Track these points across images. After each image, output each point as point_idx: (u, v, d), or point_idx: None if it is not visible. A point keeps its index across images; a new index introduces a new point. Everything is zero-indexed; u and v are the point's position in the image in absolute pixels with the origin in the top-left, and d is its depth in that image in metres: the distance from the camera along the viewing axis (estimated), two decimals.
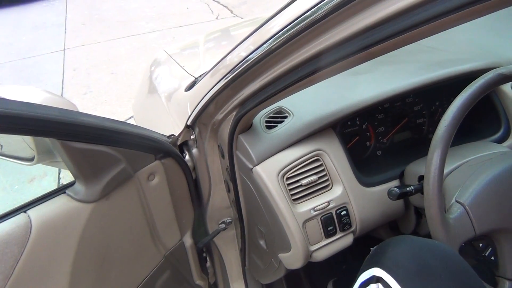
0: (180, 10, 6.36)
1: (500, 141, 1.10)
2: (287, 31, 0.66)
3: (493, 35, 1.30)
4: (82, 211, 0.86)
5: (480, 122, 1.16)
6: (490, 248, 0.89)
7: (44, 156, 0.92)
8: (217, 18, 5.88)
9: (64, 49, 5.26)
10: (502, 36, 1.30)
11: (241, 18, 5.78)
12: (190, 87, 1.24)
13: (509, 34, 1.31)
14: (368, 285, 0.70)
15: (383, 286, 0.67)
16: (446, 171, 0.94)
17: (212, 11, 6.22)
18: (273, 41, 0.70)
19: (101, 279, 0.91)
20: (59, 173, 2.79)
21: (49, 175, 2.75)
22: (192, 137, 1.15)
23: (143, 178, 0.97)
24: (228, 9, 6.20)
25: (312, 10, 0.59)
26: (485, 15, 0.47)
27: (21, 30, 6.12)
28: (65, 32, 5.93)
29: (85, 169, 0.85)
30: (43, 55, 5.10)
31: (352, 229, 1.00)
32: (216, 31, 2.08)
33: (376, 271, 0.70)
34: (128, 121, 3.27)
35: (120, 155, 0.89)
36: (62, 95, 3.99)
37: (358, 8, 0.55)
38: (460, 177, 0.88)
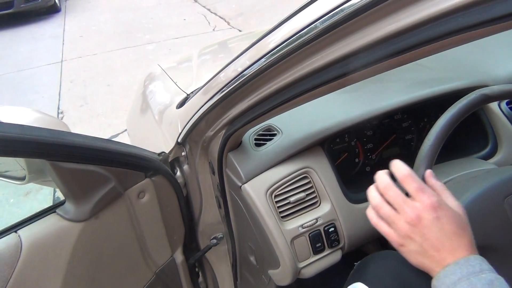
0: (177, 22, 6.41)
1: (487, 157, 1.11)
2: (276, 52, 0.68)
3: (480, 53, 1.32)
4: (72, 230, 0.87)
5: (468, 138, 1.18)
6: None
7: (35, 175, 0.93)
8: (214, 29, 5.93)
9: (62, 60, 5.29)
10: (489, 54, 1.32)
11: (238, 30, 5.83)
12: (181, 104, 1.26)
13: (495, 52, 1.33)
14: None
15: None
16: None
17: (209, 22, 6.27)
18: (263, 62, 0.72)
19: None
20: (54, 187, 2.79)
21: (45, 189, 2.76)
22: (183, 154, 1.16)
23: (133, 196, 0.98)
24: (225, 20, 6.25)
25: (306, 29, 0.60)
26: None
27: (18, 42, 6.15)
28: (63, 43, 5.96)
29: (75, 189, 0.86)
30: (40, 67, 5.12)
31: (340, 245, 1.01)
32: (209, 45, 2.11)
33: (359, 286, 0.72)
34: (123, 134, 3.30)
35: (110, 174, 0.90)
36: (58, 107, 4.01)
37: (351, 30, 0.57)
38: None
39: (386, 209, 0.67)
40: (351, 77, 0.63)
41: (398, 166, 0.67)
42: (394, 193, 0.66)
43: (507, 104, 1.16)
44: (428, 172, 0.70)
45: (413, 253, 0.65)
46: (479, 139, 1.15)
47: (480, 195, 0.80)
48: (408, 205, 0.64)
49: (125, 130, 3.22)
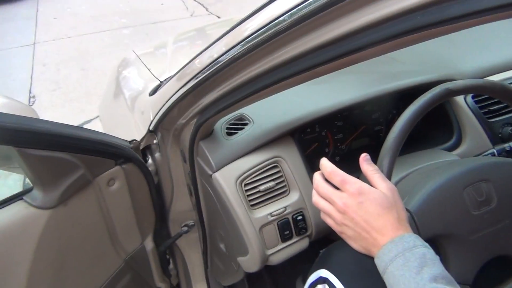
0: (155, 6, 6.28)
1: (452, 149, 1.15)
2: (251, 40, 0.68)
3: (449, 47, 1.35)
4: (39, 218, 0.86)
5: (434, 130, 1.21)
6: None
7: (2, 162, 0.92)
8: (192, 15, 5.85)
9: (34, 43, 5.14)
10: (457, 48, 1.36)
11: (217, 16, 5.77)
12: (154, 91, 1.25)
13: (463, 47, 1.36)
14: (316, 285, 0.75)
15: (329, 286, 0.71)
16: (397, 178, 0.99)
17: (187, 8, 6.17)
18: (238, 49, 0.72)
19: (58, 285, 0.92)
20: (22, 174, 2.74)
21: (14, 174, 2.69)
22: (154, 141, 1.16)
23: (103, 184, 0.98)
24: (204, 6, 6.17)
25: (280, 19, 0.61)
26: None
27: None
28: (36, 25, 5.77)
29: (43, 176, 0.85)
30: (11, 49, 4.96)
31: (308, 233, 1.03)
32: (186, 32, 2.09)
33: (323, 273, 0.74)
34: (96, 120, 3.25)
35: (79, 161, 0.89)
36: (30, 91, 3.90)
37: (324, 21, 0.58)
38: (409, 184, 0.92)
39: (321, 203, 0.74)
40: (323, 68, 0.64)
41: (323, 164, 0.75)
42: (323, 189, 0.74)
43: (473, 98, 1.19)
44: (361, 158, 0.75)
45: (351, 239, 0.72)
46: (445, 131, 1.19)
47: (441, 185, 0.82)
48: (336, 196, 0.71)
49: (99, 116, 3.17)
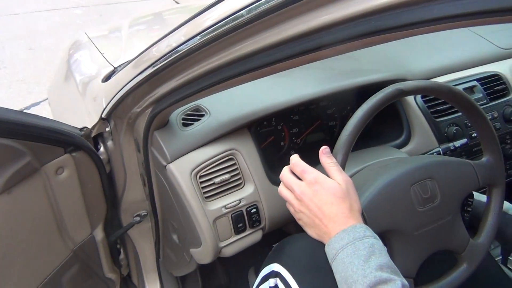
0: None
1: (401, 146, 1.20)
2: (212, 31, 0.67)
3: (401, 47, 1.40)
4: None
5: (385, 127, 1.25)
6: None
7: None
8: None
9: None
10: (410, 48, 1.41)
11: (175, 1, 5.65)
12: (107, 77, 1.21)
13: (417, 48, 1.42)
14: (267, 279, 0.76)
15: (280, 280, 0.73)
16: (348, 174, 1.01)
17: None
18: (197, 40, 0.71)
19: (0, 275, 0.88)
20: None
21: None
22: (107, 129, 1.13)
23: (51, 172, 0.94)
24: None
25: (238, 13, 0.61)
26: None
27: None
28: None
29: None
30: None
31: (261, 226, 1.04)
32: (142, 16, 2.03)
33: (275, 267, 0.75)
34: (45, 103, 3.11)
35: (25, 148, 0.85)
36: None
37: (285, 17, 0.58)
38: (359, 180, 0.95)
39: (284, 192, 0.78)
40: (280, 65, 0.65)
41: (291, 158, 0.79)
42: (286, 178, 0.78)
43: (422, 97, 1.24)
44: (321, 150, 0.79)
45: (307, 226, 0.76)
46: (395, 129, 1.23)
47: (390, 182, 0.85)
48: (295, 184, 0.76)
49: (46, 99, 3.03)
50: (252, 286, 0.80)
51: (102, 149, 1.14)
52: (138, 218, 1.25)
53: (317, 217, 0.72)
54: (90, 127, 1.08)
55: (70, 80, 1.45)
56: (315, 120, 1.23)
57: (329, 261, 0.69)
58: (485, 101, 1.31)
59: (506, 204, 1.02)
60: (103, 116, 1.09)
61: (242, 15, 0.59)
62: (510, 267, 1.07)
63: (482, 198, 1.02)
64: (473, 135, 1.25)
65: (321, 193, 0.72)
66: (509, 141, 1.35)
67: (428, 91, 0.92)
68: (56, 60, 3.73)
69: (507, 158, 1.32)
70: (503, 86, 1.35)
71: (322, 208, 0.72)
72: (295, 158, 0.78)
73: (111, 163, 1.17)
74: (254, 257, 1.48)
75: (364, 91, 1.15)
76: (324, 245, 0.72)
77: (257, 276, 0.81)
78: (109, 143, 1.14)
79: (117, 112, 1.06)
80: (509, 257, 1.08)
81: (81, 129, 1.05)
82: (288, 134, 1.19)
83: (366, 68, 1.23)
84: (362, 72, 1.20)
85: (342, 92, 1.14)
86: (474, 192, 1.03)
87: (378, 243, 0.68)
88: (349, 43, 0.53)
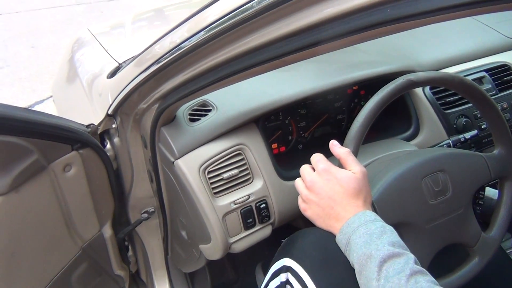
0: None
1: (410, 139, 1.18)
2: (216, 27, 0.66)
3: (409, 38, 1.38)
4: None
5: (394, 119, 1.24)
6: None
7: None
8: None
9: None
10: (417, 39, 1.39)
11: None
12: (113, 73, 1.20)
13: (424, 39, 1.40)
14: (279, 274, 0.75)
15: (292, 274, 0.72)
16: None
17: None
18: (201, 35, 0.70)
19: (9, 274, 0.87)
20: None
21: None
22: (113, 126, 1.12)
23: (58, 169, 0.94)
24: None
25: (248, 5, 0.60)
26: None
27: None
28: None
29: None
30: None
31: (271, 221, 1.04)
32: (145, 12, 2.02)
33: (286, 261, 0.75)
34: (48, 100, 3.11)
35: (32, 146, 0.85)
36: None
37: (290, 10, 0.57)
38: (370, 173, 0.94)
39: (297, 183, 0.79)
40: (290, 58, 0.64)
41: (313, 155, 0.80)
42: (302, 169, 0.79)
43: (430, 89, 1.23)
44: (331, 144, 0.79)
45: (315, 215, 0.76)
46: (404, 122, 1.22)
47: (401, 175, 0.85)
48: (308, 173, 0.77)
49: (51, 96, 3.03)
50: (260, 282, 0.80)
51: (108, 145, 1.13)
52: (146, 215, 1.24)
53: (328, 205, 0.73)
54: (96, 124, 1.08)
55: (74, 77, 1.44)
56: (322, 114, 1.21)
57: (342, 249, 0.70)
58: (494, 92, 1.29)
59: None
60: (109, 112, 1.08)
61: (252, 7, 0.58)
62: None
63: (493, 193, 1.01)
64: (482, 127, 1.24)
65: (334, 182, 0.73)
66: None
67: (439, 82, 0.90)
68: (58, 57, 3.75)
69: None
70: None
71: (333, 197, 0.72)
72: (315, 154, 0.79)
73: (118, 160, 1.17)
74: (262, 253, 1.48)
75: (372, 84, 1.14)
76: (334, 237, 0.72)
77: (264, 272, 0.81)
78: (116, 140, 1.14)
79: (123, 108, 1.05)
80: None
81: (87, 126, 1.04)
82: (295, 128, 1.18)
83: (373, 60, 1.22)
84: (369, 64, 1.18)
85: (349, 85, 1.12)
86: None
87: (390, 227, 0.69)
88: (364, 33, 0.52)
